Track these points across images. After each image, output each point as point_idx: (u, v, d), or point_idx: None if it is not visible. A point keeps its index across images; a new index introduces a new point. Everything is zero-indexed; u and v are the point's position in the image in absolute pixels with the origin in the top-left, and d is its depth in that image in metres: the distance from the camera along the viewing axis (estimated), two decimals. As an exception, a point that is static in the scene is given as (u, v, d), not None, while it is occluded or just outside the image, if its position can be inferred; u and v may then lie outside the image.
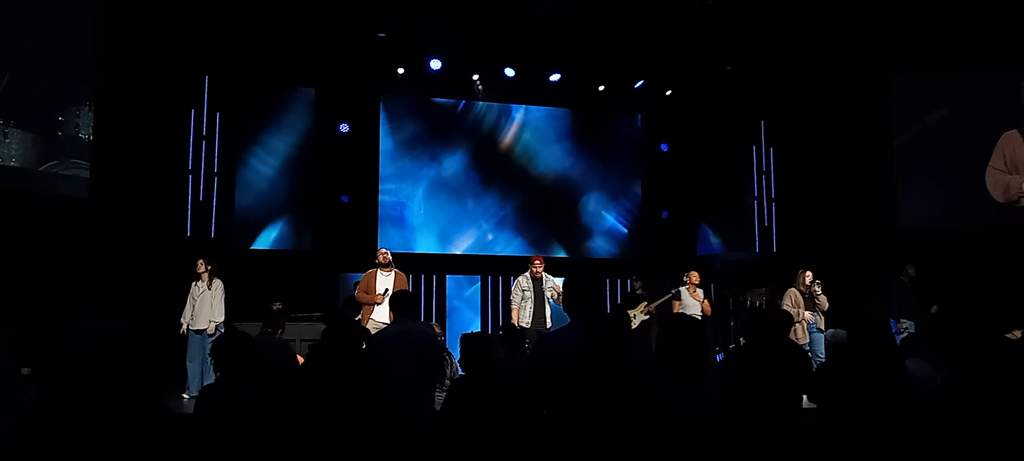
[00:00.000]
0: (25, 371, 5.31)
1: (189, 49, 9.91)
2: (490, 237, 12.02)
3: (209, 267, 8.45)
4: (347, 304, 9.09)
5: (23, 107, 8.25)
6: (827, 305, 8.71)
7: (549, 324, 8.95)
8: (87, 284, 8.06)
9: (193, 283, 8.43)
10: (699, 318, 9.39)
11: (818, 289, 8.73)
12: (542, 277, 9.05)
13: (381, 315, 8.36)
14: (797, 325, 8.71)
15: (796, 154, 11.71)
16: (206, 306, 8.34)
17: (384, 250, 8.74)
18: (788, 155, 11.94)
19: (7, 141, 8.10)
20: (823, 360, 8.59)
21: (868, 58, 10.65)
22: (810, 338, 8.72)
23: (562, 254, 12.06)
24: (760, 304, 10.45)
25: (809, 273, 8.82)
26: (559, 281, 9.01)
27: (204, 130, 10.48)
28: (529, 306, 8.92)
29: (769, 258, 11.87)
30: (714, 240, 12.71)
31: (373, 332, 7.54)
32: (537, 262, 9.17)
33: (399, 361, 4.91)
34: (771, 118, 12.17)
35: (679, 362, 3.30)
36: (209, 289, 8.37)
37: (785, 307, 8.81)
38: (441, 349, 4.82)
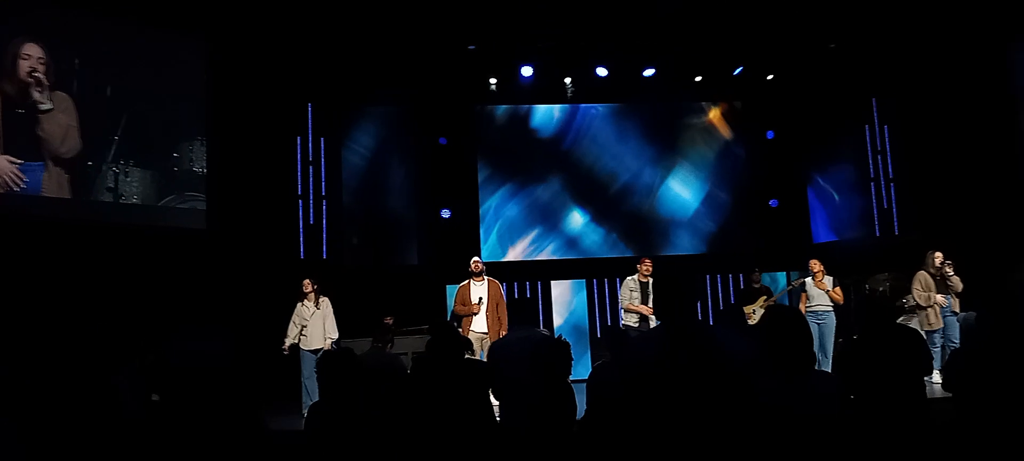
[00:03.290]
0: (155, 398, 5.58)
1: (291, 79, 10.25)
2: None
3: (315, 287, 8.58)
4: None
5: (140, 146, 8.71)
6: (961, 286, 8.16)
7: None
8: (211, 311, 8.30)
9: (299, 304, 8.48)
10: (830, 308, 8.99)
11: (950, 270, 8.20)
12: (649, 280, 8.80)
13: (479, 325, 8.34)
14: (929, 310, 8.22)
15: (913, 131, 10.95)
16: (319, 325, 8.42)
17: (476, 259, 8.70)
18: (905, 133, 11.22)
19: (128, 179, 8.58)
20: (957, 345, 8.06)
21: (985, 26, 9.87)
22: (944, 323, 8.21)
23: (664, 252, 11.75)
24: (884, 290, 9.87)
25: (939, 254, 8.29)
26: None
27: (310, 155, 10.83)
28: None
29: (892, 241, 11.20)
30: (829, 224, 12.12)
31: (474, 342, 7.49)
32: (645, 265, 8.97)
33: (519, 367, 4.76)
34: (883, 95, 11.49)
35: (781, 358, 3.11)
36: (317, 308, 8.53)
37: (915, 291, 8.33)
38: (564, 351, 4.68)
